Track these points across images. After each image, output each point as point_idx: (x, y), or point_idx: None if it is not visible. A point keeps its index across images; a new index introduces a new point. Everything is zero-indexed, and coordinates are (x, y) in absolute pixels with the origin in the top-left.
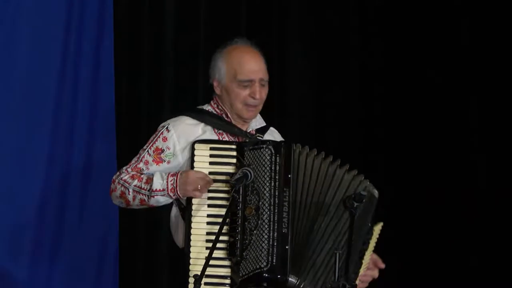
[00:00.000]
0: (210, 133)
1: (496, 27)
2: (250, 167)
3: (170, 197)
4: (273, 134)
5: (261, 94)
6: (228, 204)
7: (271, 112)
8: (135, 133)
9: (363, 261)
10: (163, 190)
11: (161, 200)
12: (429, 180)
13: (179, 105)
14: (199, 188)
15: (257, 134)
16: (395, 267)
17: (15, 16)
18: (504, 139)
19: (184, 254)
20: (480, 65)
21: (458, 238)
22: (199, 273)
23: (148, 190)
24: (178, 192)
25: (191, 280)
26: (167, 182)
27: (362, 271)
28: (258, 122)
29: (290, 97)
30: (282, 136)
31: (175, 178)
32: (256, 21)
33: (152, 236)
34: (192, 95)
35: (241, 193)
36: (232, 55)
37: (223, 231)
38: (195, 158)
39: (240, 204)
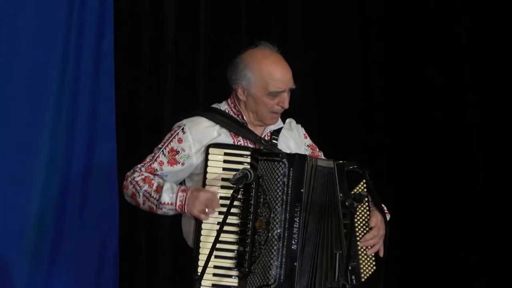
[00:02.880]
0: (225, 136)
1: (495, 27)
2: (263, 178)
3: (178, 212)
4: (291, 128)
5: (288, 101)
6: (238, 212)
7: None
8: (135, 133)
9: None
10: (171, 204)
11: (169, 212)
12: (430, 180)
13: (179, 105)
14: (206, 211)
15: (272, 137)
16: (395, 267)
17: (16, 16)
18: (504, 138)
19: (193, 254)
20: (480, 64)
21: (458, 237)
22: (209, 282)
23: (157, 200)
24: (186, 210)
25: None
26: (176, 197)
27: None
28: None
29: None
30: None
31: (185, 195)
32: (256, 21)
33: (152, 236)
34: (192, 95)
35: (252, 203)
36: (262, 66)
37: (232, 240)
38: (209, 163)
39: (251, 215)
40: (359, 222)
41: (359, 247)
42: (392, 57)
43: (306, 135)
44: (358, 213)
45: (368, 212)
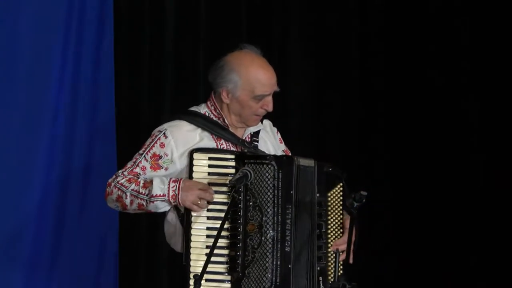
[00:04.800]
0: (208, 139)
1: (495, 27)
2: (251, 181)
3: (170, 203)
4: (268, 131)
5: (272, 104)
6: (228, 216)
7: (271, 113)
8: (135, 133)
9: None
10: (164, 195)
11: (161, 206)
12: (429, 180)
13: (179, 105)
14: (198, 203)
15: (253, 139)
16: (394, 267)
17: (16, 16)
18: (504, 138)
19: (183, 259)
20: (480, 64)
21: (458, 238)
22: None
23: (147, 195)
24: (179, 199)
25: None
26: (168, 187)
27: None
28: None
29: (290, 97)
30: (282, 137)
31: (177, 185)
32: (256, 21)
33: (152, 236)
34: (192, 95)
35: (242, 207)
36: (250, 69)
37: (223, 245)
38: (194, 168)
39: (241, 219)
40: (332, 225)
41: (329, 250)
42: (392, 57)
43: (281, 139)
44: (330, 216)
45: (341, 216)
